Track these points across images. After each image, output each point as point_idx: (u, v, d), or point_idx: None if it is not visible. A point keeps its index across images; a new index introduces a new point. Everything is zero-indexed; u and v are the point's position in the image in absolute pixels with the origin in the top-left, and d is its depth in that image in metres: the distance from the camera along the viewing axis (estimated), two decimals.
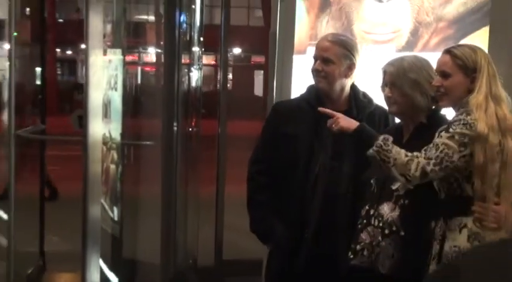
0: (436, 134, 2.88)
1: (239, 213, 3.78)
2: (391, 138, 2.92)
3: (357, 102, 3.42)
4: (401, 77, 3.16)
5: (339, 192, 3.47)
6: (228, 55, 7.21)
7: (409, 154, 2.84)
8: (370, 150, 2.94)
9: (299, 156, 3.43)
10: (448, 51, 2.98)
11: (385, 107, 3.46)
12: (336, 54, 3.33)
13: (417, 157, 2.82)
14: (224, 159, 6.03)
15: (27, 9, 8.50)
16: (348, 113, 3.38)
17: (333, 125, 3.03)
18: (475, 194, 2.86)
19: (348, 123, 3.02)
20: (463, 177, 2.85)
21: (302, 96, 3.60)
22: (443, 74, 2.92)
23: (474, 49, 2.95)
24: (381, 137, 2.90)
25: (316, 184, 3.47)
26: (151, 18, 6.72)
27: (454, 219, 2.92)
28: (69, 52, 31.16)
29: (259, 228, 3.57)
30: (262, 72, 27.08)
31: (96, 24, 4.07)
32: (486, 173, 2.81)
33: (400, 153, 2.85)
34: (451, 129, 2.80)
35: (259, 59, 29.01)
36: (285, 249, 3.52)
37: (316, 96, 3.47)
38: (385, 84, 3.22)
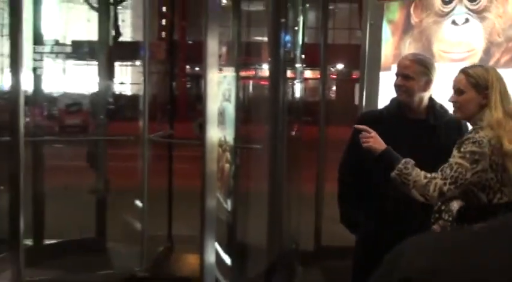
0: (454, 150, 2.81)
1: (335, 206, 3.80)
2: (412, 162, 2.84)
3: (434, 112, 3.36)
4: None
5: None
6: (333, 70, 7.19)
7: (428, 175, 2.77)
8: (392, 174, 2.90)
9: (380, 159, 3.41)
10: (463, 71, 2.92)
11: None
12: (415, 72, 3.29)
13: (435, 178, 2.76)
14: (323, 160, 6.04)
15: (163, 33, 8.79)
16: (426, 121, 3.34)
17: (363, 141, 2.99)
18: None
19: (378, 144, 2.96)
20: (478, 189, 2.77)
21: (386, 106, 3.56)
22: (458, 91, 2.87)
23: (487, 69, 2.89)
24: (403, 161, 2.84)
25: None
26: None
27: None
28: (197, 68, 31.90)
29: (346, 222, 3.59)
30: None
31: (213, 46, 4.21)
32: None
33: (419, 175, 2.78)
34: (462, 149, 2.73)
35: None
36: (368, 240, 3.50)
37: (398, 107, 3.43)
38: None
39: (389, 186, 3.34)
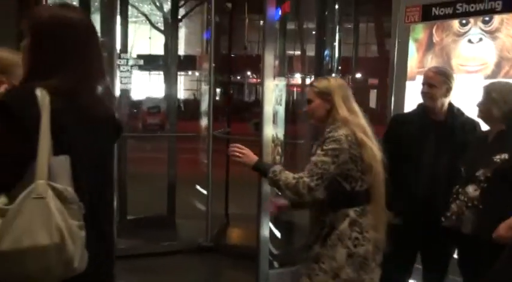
0: (314, 147, 2.76)
1: None
2: (279, 168, 2.72)
3: (452, 114, 3.41)
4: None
5: (439, 177, 3.40)
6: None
7: (296, 176, 2.61)
8: (267, 183, 2.83)
9: (411, 150, 3.40)
10: (310, 85, 2.93)
11: (474, 119, 3.41)
12: (438, 81, 3.35)
13: (301, 177, 2.61)
14: None
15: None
16: (445, 121, 3.39)
17: (236, 155, 2.77)
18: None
19: (249, 159, 2.76)
20: (341, 179, 2.69)
21: (413, 110, 3.58)
22: (308, 101, 2.84)
23: (328, 79, 2.89)
24: (271, 170, 2.68)
25: (424, 171, 3.41)
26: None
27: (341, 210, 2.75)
28: (238, 77, 32.01)
29: None
30: (375, 90, 27.05)
31: (269, 59, 4.34)
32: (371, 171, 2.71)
33: (288, 178, 2.62)
34: (324, 147, 2.65)
35: (373, 81, 28.95)
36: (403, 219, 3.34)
37: (423, 110, 3.45)
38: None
39: (418, 177, 3.39)
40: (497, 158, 3.06)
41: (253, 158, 2.77)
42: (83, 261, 1.56)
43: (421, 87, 3.43)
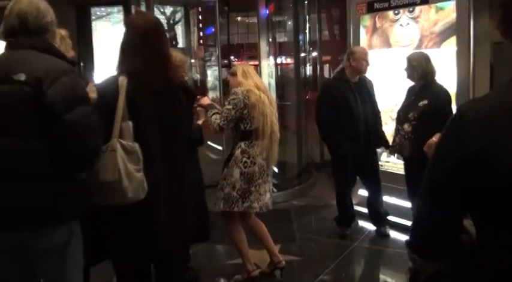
0: (226, 103, 2.88)
1: None
2: (213, 112, 2.88)
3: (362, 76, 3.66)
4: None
5: (371, 121, 3.64)
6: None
7: (217, 119, 2.83)
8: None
9: (347, 106, 3.58)
10: (230, 69, 3.09)
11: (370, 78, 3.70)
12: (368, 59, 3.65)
13: (216, 119, 2.84)
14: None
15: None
16: (359, 82, 3.65)
17: (199, 104, 2.93)
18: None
19: (202, 114, 2.93)
20: (239, 121, 2.87)
21: (336, 76, 3.78)
22: (231, 74, 3.00)
23: (236, 65, 3.10)
24: (209, 112, 2.89)
25: (359, 118, 3.60)
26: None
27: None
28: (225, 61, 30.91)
29: (331, 143, 3.74)
30: (327, 65, 25.96)
31: (263, 46, 4.69)
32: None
33: (212, 119, 2.85)
34: (229, 99, 2.86)
35: (326, 58, 27.50)
36: (344, 153, 3.62)
37: (344, 76, 3.64)
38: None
39: (359, 114, 3.59)
40: (421, 103, 3.32)
41: (209, 105, 2.98)
42: (138, 193, 1.70)
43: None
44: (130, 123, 1.73)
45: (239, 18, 14.74)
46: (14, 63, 1.57)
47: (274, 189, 4.55)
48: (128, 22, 1.91)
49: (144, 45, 1.80)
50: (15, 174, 1.53)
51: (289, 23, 6.26)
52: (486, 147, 0.98)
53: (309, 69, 6.44)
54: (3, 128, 1.54)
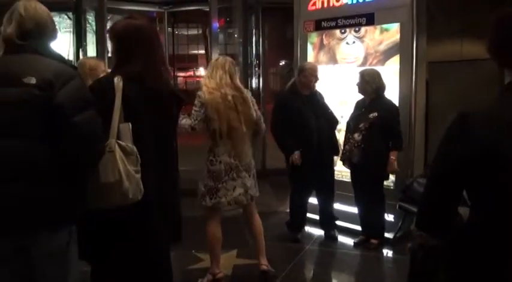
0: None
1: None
2: (183, 116, 2.83)
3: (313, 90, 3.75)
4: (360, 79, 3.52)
5: (324, 130, 3.72)
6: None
7: (189, 121, 2.84)
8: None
9: (300, 117, 3.67)
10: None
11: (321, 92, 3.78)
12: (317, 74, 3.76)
13: (187, 121, 2.85)
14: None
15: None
16: (311, 94, 3.74)
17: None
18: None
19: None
20: (205, 121, 2.88)
21: (288, 89, 3.82)
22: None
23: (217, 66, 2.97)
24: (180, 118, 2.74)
25: (311, 127, 3.67)
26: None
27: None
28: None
29: (283, 146, 3.77)
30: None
31: (215, 55, 4.49)
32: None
33: (183, 121, 2.83)
34: (195, 101, 2.89)
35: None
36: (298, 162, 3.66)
37: (296, 89, 3.74)
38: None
39: (311, 124, 3.66)
40: (371, 115, 3.51)
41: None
42: (137, 194, 1.68)
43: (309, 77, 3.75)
44: (129, 125, 1.71)
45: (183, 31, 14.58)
46: (23, 67, 1.56)
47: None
48: (123, 24, 1.89)
49: (139, 47, 1.79)
50: (16, 177, 1.51)
51: (236, 35, 6.30)
52: (487, 145, 1.17)
53: (254, 82, 6.46)
54: (9, 130, 1.52)
